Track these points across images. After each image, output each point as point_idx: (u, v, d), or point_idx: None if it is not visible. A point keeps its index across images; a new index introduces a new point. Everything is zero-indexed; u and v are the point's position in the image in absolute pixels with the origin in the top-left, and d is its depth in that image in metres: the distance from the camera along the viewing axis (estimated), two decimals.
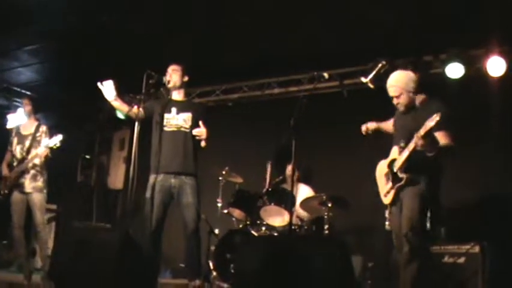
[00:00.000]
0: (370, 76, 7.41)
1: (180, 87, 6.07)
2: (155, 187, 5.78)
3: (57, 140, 6.63)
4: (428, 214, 6.39)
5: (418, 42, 7.16)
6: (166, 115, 5.93)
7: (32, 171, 6.82)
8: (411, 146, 4.77)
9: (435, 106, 4.86)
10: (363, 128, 5.53)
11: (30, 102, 7.24)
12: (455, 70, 7.18)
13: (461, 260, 5.96)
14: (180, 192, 5.79)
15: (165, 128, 5.89)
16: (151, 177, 5.84)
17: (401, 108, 5.12)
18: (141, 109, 5.78)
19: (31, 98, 7.39)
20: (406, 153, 4.85)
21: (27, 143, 6.90)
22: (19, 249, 6.90)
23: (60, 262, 5.21)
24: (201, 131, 5.71)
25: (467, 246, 5.98)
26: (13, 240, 6.98)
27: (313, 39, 7.52)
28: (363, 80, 7.47)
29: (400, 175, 4.95)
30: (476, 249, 5.96)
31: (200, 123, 5.75)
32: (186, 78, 6.08)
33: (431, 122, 4.49)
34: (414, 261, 4.80)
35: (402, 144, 4.97)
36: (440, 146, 4.73)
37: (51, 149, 6.66)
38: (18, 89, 10.22)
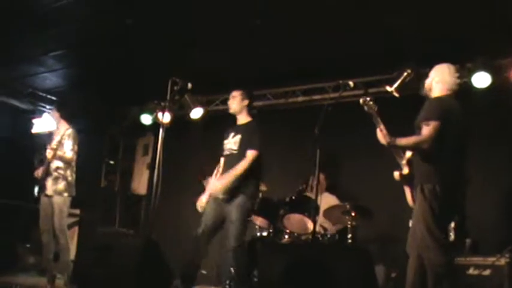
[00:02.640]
0: (396, 85, 7.30)
1: (240, 112, 6.36)
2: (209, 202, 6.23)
3: (55, 140, 6.76)
4: (453, 225, 6.37)
5: (444, 50, 7.09)
6: (225, 141, 6.32)
7: (55, 174, 6.85)
8: None
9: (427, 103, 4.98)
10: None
11: (56, 109, 7.32)
12: (481, 79, 7.10)
13: (487, 272, 5.89)
14: (228, 212, 6.02)
15: (224, 153, 6.29)
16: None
17: None
18: None
19: (58, 104, 7.43)
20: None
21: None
22: (46, 253, 6.92)
23: (83, 267, 5.24)
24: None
25: (493, 259, 5.91)
26: (41, 243, 6.99)
27: (337, 48, 7.50)
28: (388, 88, 7.39)
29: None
30: (502, 261, 5.89)
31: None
32: (245, 102, 6.35)
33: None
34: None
35: None
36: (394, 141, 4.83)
37: (55, 150, 6.72)
38: (44, 94, 10.32)
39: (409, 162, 5.05)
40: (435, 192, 4.69)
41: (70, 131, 6.99)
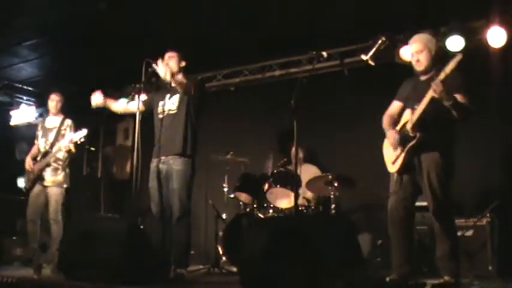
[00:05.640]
0: (371, 53, 7.37)
1: (177, 74, 5.91)
2: (151, 175, 5.82)
3: (81, 134, 6.59)
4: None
5: (417, 16, 7.09)
6: (160, 103, 5.96)
7: (54, 165, 6.80)
8: (428, 96, 4.67)
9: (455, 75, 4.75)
10: None
11: (61, 99, 7.19)
12: (455, 43, 7.11)
13: (470, 233, 6.01)
14: (167, 178, 5.72)
15: (158, 116, 5.91)
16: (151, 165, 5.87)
17: (420, 67, 4.98)
18: (141, 104, 5.77)
19: (61, 94, 7.29)
20: (422, 106, 4.73)
21: (51, 137, 6.91)
22: (31, 242, 6.89)
23: (69, 254, 5.23)
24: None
25: (475, 219, 6.00)
26: (26, 233, 6.96)
27: (312, 19, 7.47)
28: (363, 57, 7.43)
29: (412, 134, 4.80)
30: (484, 221, 5.99)
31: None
32: (183, 64, 6.02)
33: (451, 63, 4.52)
34: (448, 238, 4.74)
35: (416, 106, 4.82)
36: (456, 98, 4.63)
37: (75, 143, 6.65)
38: (20, 86, 10.24)
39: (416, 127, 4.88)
40: (450, 161, 4.78)
41: (70, 122, 6.96)
